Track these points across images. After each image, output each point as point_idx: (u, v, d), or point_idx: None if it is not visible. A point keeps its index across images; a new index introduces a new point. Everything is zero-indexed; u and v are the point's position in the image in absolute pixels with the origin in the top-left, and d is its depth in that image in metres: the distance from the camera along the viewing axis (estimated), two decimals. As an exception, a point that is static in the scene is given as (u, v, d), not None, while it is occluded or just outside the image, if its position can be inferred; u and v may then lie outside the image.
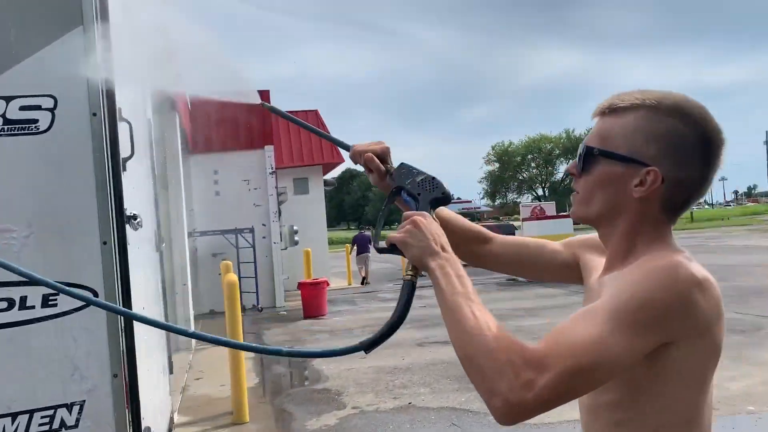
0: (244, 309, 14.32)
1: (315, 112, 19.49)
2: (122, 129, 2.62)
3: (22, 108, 2.07)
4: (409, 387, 6.96)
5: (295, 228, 16.11)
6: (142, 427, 2.40)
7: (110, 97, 2.26)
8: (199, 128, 14.76)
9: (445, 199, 1.27)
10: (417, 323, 11.24)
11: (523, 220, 17.74)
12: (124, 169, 2.63)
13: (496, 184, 76.89)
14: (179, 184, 10.40)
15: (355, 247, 19.13)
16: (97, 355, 2.09)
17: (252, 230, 14.51)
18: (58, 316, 2.06)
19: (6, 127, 2.05)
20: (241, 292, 14.36)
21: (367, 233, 19.82)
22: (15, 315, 2.02)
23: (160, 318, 3.57)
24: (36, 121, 2.08)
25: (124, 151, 2.62)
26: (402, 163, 1.35)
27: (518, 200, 69.56)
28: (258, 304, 14.43)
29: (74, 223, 2.09)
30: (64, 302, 2.07)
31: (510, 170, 75.85)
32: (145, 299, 2.89)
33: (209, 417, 5.98)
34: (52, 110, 2.10)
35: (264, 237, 14.92)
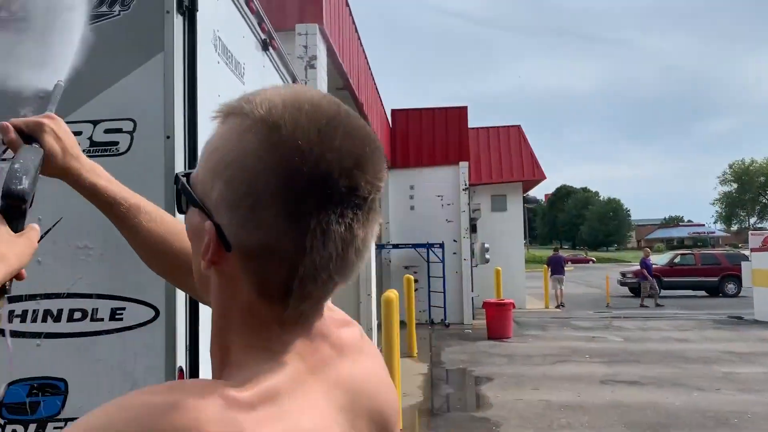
0: (432, 323, 14.45)
1: (517, 128, 19.03)
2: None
3: (106, 131, 2.21)
4: (575, 428, 6.37)
5: (486, 245, 15.85)
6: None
7: (191, 120, 2.33)
8: (398, 144, 15.20)
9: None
10: (606, 357, 10.35)
11: (752, 250, 15.50)
12: (221, 189, 2.71)
13: (732, 207, 68.73)
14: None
15: (549, 269, 18.29)
16: (154, 372, 2.14)
17: (442, 246, 14.57)
18: (122, 330, 2.15)
19: (92, 148, 2.20)
20: (429, 306, 14.53)
21: (561, 254, 18.84)
22: (86, 325, 2.15)
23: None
24: (117, 143, 2.20)
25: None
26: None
27: (760, 226, 61.34)
28: (445, 319, 14.41)
29: (143, 241, 2.18)
30: (129, 317, 2.15)
31: (751, 192, 67.24)
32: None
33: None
34: (131, 133, 2.21)
35: (455, 253, 14.89)
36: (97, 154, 2.19)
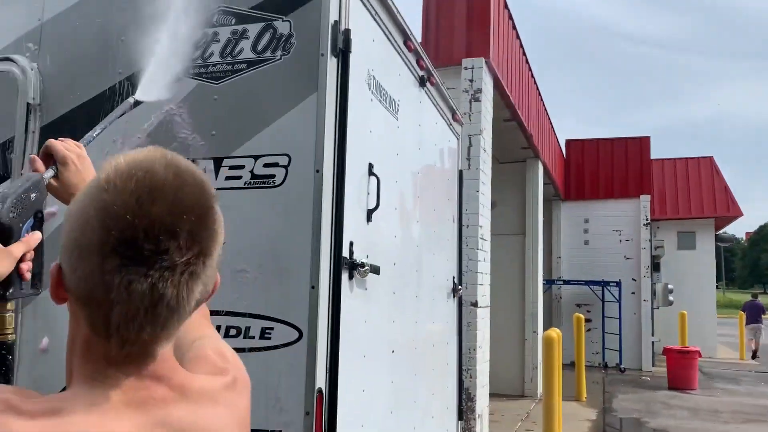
0: (605, 366, 13.58)
1: (709, 159, 17.49)
2: (372, 182, 2.84)
3: (266, 165, 2.42)
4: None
5: (670, 286, 14.62)
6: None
7: (340, 155, 2.47)
8: (572, 175, 14.68)
9: None
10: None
11: None
12: (369, 220, 2.82)
13: None
14: (537, 231, 10.48)
15: (745, 315, 16.38)
16: (294, 391, 2.27)
17: (619, 284, 13.72)
18: (270, 349, 2.32)
19: (252, 181, 2.42)
20: (603, 349, 13.67)
21: (759, 301, 16.76)
22: (240, 342, 2.34)
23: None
24: (273, 176, 2.40)
25: (371, 202, 2.83)
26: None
27: None
28: (621, 363, 13.48)
29: (292, 267, 2.34)
30: (276, 337, 2.31)
31: None
32: (375, 342, 3.01)
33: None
34: (286, 167, 2.40)
35: (633, 292, 13.93)
36: (257, 186, 2.40)
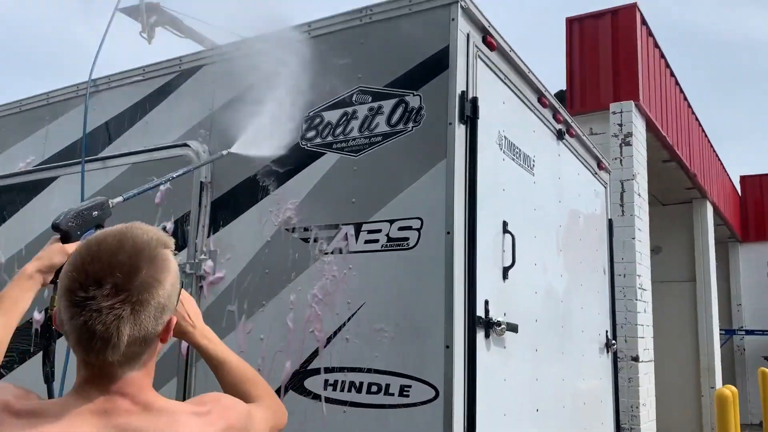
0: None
1: None
2: (507, 240, 2.89)
3: (400, 228, 2.57)
4: None
5: None
6: None
7: (471, 216, 2.56)
8: (750, 213, 13.46)
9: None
10: None
11: None
12: (506, 278, 2.87)
13: None
14: (709, 276, 9.69)
15: None
16: (433, 448, 2.34)
17: (815, 334, 12.16)
18: (408, 406, 2.41)
19: (389, 243, 2.58)
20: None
21: None
22: (381, 399, 2.47)
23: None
24: (407, 239, 2.55)
25: (506, 260, 2.87)
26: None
27: None
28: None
29: (426, 326, 2.44)
30: (415, 394, 2.41)
31: None
32: (511, 401, 2.99)
33: None
34: (419, 230, 2.53)
35: (833, 343, 12.26)
36: (392, 248, 2.56)
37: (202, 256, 3.00)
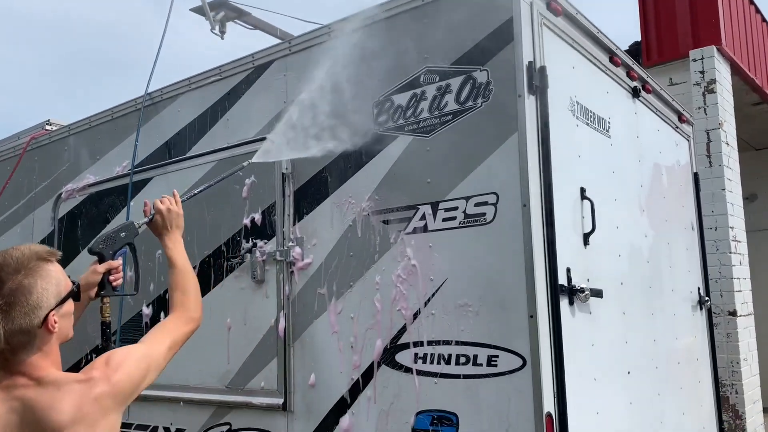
0: None
1: None
2: (585, 206, 2.88)
3: (477, 204, 2.62)
4: None
5: None
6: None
7: (546, 186, 2.58)
8: None
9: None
10: None
11: None
12: (587, 244, 2.87)
13: None
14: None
15: None
16: (524, 415, 2.41)
17: None
18: (497, 375, 2.49)
19: (466, 220, 2.64)
20: None
21: None
22: (470, 369, 2.55)
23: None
24: (484, 214, 2.59)
25: (586, 226, 2.87)
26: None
27: None
28: None
29: (509, 298, 2.49)
30: (502, 364, 2.48)
31: None
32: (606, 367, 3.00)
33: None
34: (495, 205, 2.57)
35: None
36: (469, 224, 2.62)
37: (290, 243, 3.16)
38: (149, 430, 3.64)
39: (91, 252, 2.10)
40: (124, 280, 2.25)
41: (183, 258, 2.10)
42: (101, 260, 2.10)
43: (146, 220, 2.19)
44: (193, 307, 2.00)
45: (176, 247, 2.13)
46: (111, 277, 2.11)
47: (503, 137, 2.58)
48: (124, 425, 3.76)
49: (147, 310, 3.72)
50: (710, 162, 5.77)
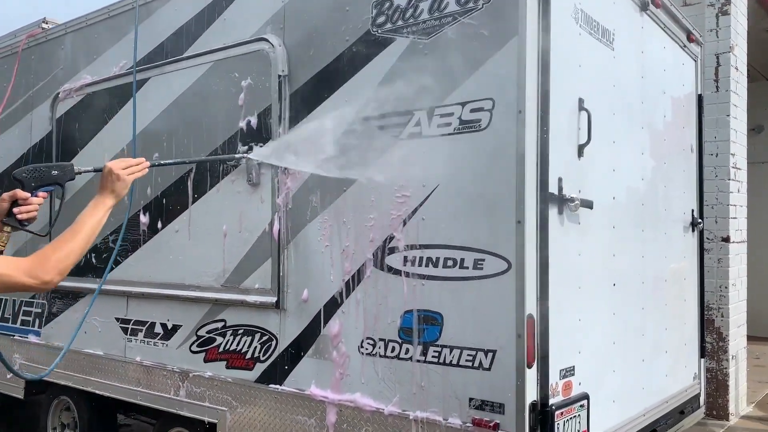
0: None
1: None
2: (582, 117, 2.86)
3: (472, 110, 2.61)
4: None
5: None
6: (569, 390, 2.67)
7: (544, 94, 2.55)
8: None
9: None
10: None
11: None
12: (581, 155, 2.87)
13: None
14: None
15: None
16: (507, 315, 2.48)
17: None
18: (482, 278, 2.55)
19: (461, 126, 2.63)
20: None
21: None
22: (457, 272, 2.61)
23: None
24: (479, 120, 2.58)
25: (582, 138, 2.86)
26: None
27: None
28: None
29: (498, 204, 2.52)
30: (488, 267, 2.53)
31: None
32: (585, 276, 3.06)
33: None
34: (490, 111, 2.56)
35: None
36: (464, 131, 2.61)
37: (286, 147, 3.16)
38: (147, 325, 3.76)
39: (13, 177, 1.98)
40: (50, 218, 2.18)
41: (90, 223, 1.88)
42: (22, 189, 1.96)
43: (89, 169, 2.11)
44: (50, 267, 1.75)
45: (94, 209, 1.93)
46: (15, 209, 1.93)
47: (503, 41, 2.53)
48: (123, 321, 3.89)
49: (144, 218, 3.78)
50: (717, 87, 5.67)
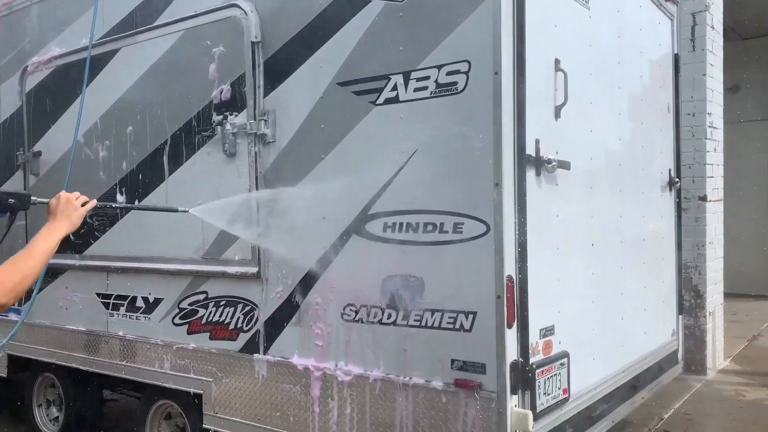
0: None
1: None
2: (559, 78, 2.85)
3: (449, 73, 2.58)
4: None
5: None
6: (549, 348, 2.72)
7: (520, 55, 2.53)
8: None
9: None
10: None
11: None
12: (558, 116, 2.87)
13: None
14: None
15: None
16: (486, 277, 2.50)
17: None
18: (462, 241, 2.56)
19: (438, 90, 2.61)
20: None
21: None
22: (437, 236, 2.61)
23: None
24: (456, 83, 2.56)
25: (558, 99, 2.86)
26: None
27: None
28: None
29: (476, 167, 2.52)
30: (467, 231, 2.54)
31: None
32: (567, 237, 3.09)
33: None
34: (467, 73, 2.54)
35: None
36: (441, 94, 2.59)
37: (261, 116, 3.12)
38: (128, 300, 3.75)
39: None
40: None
41: (42, 248, 1.93)
42: None
43: (45, 201, 2.12)
44: (7, 290, 1.79)
45: (48, 236, 1.99)
46: None
47: (477, 1, 2.50)
48: (104, 296, 3.87)
49: (121, 193, 3.74)
50: (693, 46, 5.68)
